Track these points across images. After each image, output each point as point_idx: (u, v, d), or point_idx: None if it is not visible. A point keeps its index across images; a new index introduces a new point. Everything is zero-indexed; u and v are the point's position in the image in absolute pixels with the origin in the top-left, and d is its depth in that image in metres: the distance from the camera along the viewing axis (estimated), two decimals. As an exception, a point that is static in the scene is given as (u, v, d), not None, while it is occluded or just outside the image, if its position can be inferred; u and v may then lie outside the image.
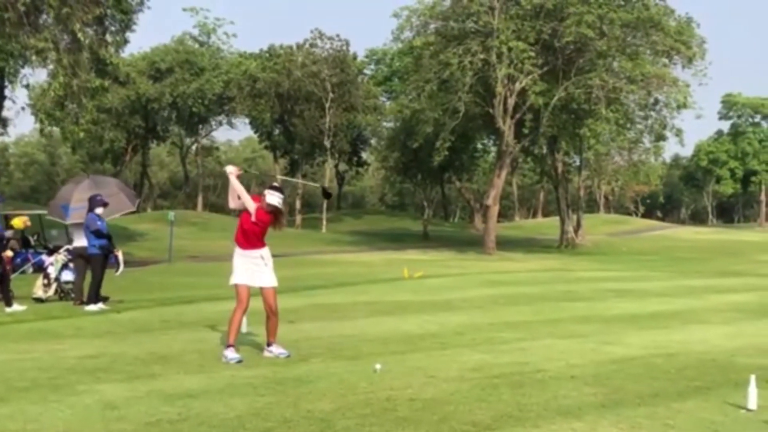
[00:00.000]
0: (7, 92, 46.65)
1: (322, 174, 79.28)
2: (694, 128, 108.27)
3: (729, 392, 7.21)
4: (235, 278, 8.86)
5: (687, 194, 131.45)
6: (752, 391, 6.59)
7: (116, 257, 15.92)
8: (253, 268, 8.87)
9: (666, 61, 50.35)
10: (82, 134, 37.71)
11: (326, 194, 11.04)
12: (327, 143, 70.03)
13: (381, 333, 11.07)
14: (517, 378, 7.81)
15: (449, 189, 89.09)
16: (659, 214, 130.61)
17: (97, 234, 14.63)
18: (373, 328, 11.56)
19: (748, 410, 6.54)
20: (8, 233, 16.66)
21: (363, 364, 8.36)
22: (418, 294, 17.35)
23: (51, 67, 32.34)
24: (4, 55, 32.69)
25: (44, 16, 30.69)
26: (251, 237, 8.88)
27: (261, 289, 8.90)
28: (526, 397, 6.93)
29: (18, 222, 17.68)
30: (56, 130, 52.73)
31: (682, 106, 49.73)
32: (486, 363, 8.68)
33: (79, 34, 29.64)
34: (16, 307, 14.48)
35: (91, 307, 14.12)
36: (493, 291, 18.42)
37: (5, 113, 51.32)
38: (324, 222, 69.48)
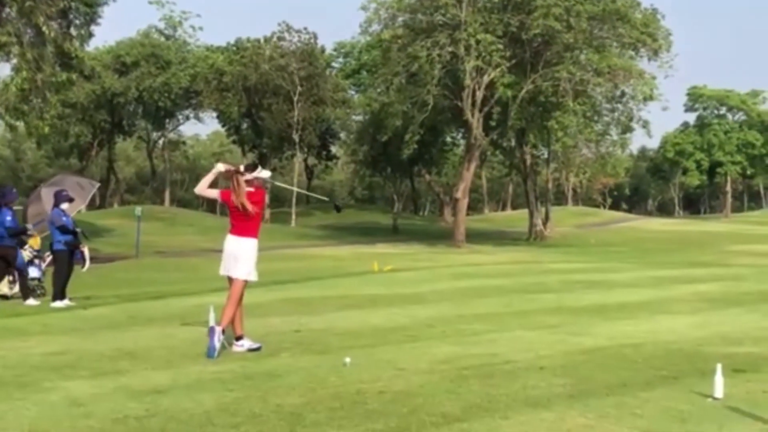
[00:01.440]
0: (-31, 87, 46.00)
1: (291, 168, 78.98)
2: (661, 120, 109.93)
3: (696, 381, 7.27)
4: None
5: (654, 186, 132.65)
6: (718, 379, 6.64)
7: (82, 253, 15.74)
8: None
9: (632, 53, 50.79)
10: (47, 129, 37.27)
11: (337, 208, 12.42)
12: (296, 137, 69.78)
13: (350, 326, 11.06)
14: (487, 369, 7.82)
15: (419, 182, 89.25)
16: (626, 206, 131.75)
17: (63, 230, 14.47)
18: (342, 322, 11.54)
19: (715, 398, 6.59)
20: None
21: (332, 358, 8.33)
22: (387, 287, 17.34)
23: (14, 61, 31.95)
24: (-34, 50, 32.21)
25: (7, 10, 30.30)
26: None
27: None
28: (495, 388, 6.94)
29: (34, 242, 17.49)
30: (21, 125, 52.10)
31: (648, 98, 50.18)
32: (456, 355, 8.69)
33: (43, 28, 29.32)
34: (31, 301, 14.73)
35: (57, 304, 13.97)
36: (462, 283, 18.47)
37: (-32, 109, 50.61)
38: (293, 216, 69.31)
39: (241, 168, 8.80)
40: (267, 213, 74.14)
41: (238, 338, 8.86)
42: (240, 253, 8.77)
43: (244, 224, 8.78)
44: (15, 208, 15.47)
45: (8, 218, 14.75)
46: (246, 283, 8.91)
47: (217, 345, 8.35)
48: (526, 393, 6.80)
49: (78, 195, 17.18)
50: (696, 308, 14.05)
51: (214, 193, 9.05)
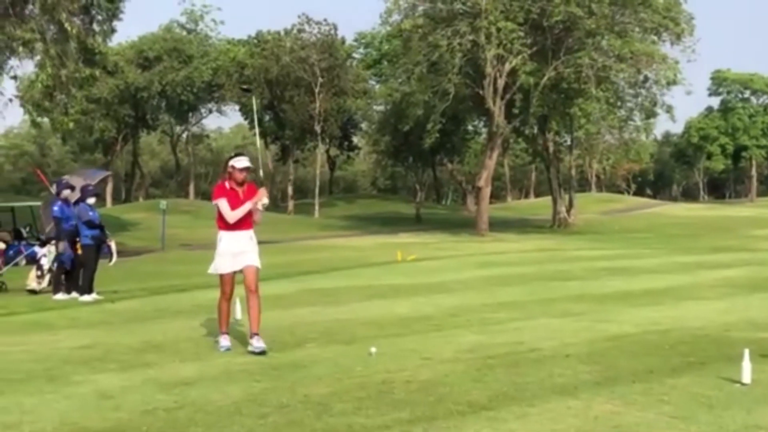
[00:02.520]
0: (-6, 84, 46.37)
1: (313, 159, 79.10)
2: (685, 105, 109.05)
3: (723, 367, 7.24)
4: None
5: (678, 171, 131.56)
6: (746, 365, 6.61)
7: (109, 247, 15.89)
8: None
9: (655, 38, 50.30)
10: (71, 125, 37.58)
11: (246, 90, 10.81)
12: (317, 128, 69.85)
13: (375, 316, 11.09)
14: (512, 358, 7.83)
15: (441, 171, 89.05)
16: (650, 191, 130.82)
17: (90, 224, 14.60)
18: (368, 312, 11.57)
19: (743, 384, 6.56)
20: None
21: (358, 348, 8.36)
22: (411, 277, 17.36)
23: (38, 58, 32.17)
24: (-9, 47, 32.51)
25: (30, 7, 30.52)
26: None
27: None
28: (521, 376, 6.95)
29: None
30: (46, 121, 52.54)
31: (671, 82, 49.73)
32: (481, 344, 8.70)
33: (66, 24, 29.48)
34: (60, 295, 14.82)
35: (85, 298, 14.10)
36: (486, 272, 18.45)
37: (-7, 105, 51.07)
38: (316, 207, 69.45)
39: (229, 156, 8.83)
40: (290, 204, 74.48)
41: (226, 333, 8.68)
42: (253, 245, 8.52)
43: (247, 218, 8.50)
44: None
45: (54, 208, 15.19)
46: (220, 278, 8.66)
47: (258, 347, 8.16)
48: (552, 381, 6.80)
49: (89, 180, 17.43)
50: (722, 293, 13.97)
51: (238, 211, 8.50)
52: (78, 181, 16.75)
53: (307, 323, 10.29)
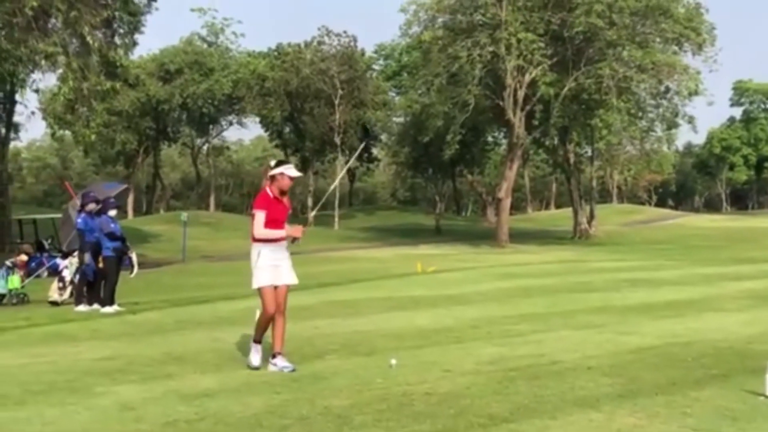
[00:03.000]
0: (17, 97, 46.82)
1: (333, 170, 79.30)
2: (706, 115, 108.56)
3: (746, 379, 7.17)
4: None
5: (700, 182, 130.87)
6: (770, 377, 6.55)
7: (130, 259, 15.98)
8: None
9: (676, 48, 50.19)
10: (93, 137, 37.85)
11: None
12: (337, 140, 70.05)
13: (395, 328, 11.06)
14: (534, 370, 7.79)
15: (461, 183, 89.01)
16: (672, 202, 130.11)
17: (111, 236, 14.68)
18: (388, 324, 11.55)
19: (766, 397, 6.49)
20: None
21: (378, 360, 8.35)
22: (431, 288, 17.32)
23: (60, 71, 32.48)
24: (14, 60, 32.78)
25: (53, 20, 30.80)
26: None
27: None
28: (542, 388, 6.91)
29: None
30: (68, 133, 53.00)
31: (693, 93, 49.56)
32: (502, 356, 8.65)
33: (88, 38, 29.74)
34: (82, 307, 14.92)
35: (107, 309, 14.17)
36: (507, 284, 18.38)
37: (16, 118, 51.60)
38: (336, 219, 69.55)
39: (272, 163, 8.28)
40: (310, 216, 74.64)
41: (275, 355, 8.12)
42: (288, 257, 8.26)
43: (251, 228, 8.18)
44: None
45: (78, 220, 15.35)
46: (259, 292, 8.22)
47: (285, 366, 7.89)
48: (574, 393, 6.75)
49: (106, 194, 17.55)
50: (745, 305, 13.84)
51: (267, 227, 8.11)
52: (101, 194, 16.88)
53: (328, 335, 10.28)
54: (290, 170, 8.14)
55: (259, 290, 8.04)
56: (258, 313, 8.26)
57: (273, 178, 8.05)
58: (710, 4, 58.69)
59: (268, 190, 8.07)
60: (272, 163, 8.27)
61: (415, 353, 8.84)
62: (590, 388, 6.96)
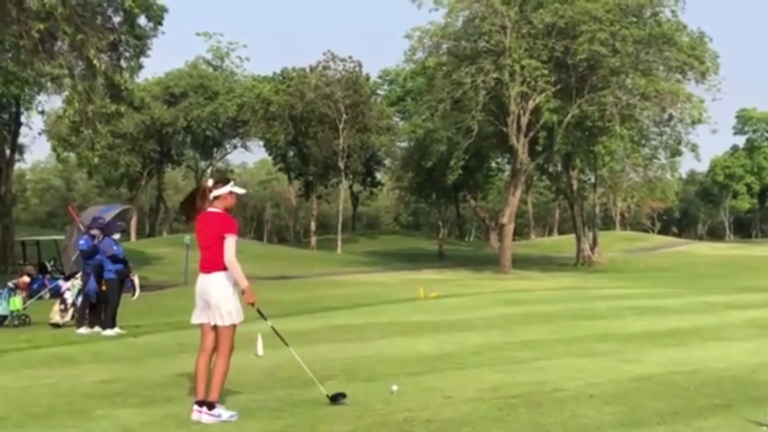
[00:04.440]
0: (22, 119, 47.06)
1: (337, 195, 79.43)
2: (710, 144, 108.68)
3: (749, 409, 7.13)
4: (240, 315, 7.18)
5: (703, 210, 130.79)
6: (773, 407, 6.51)
7: (132, 282, 15.98)
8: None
9: (679, 76, 50.32)
10: (96, 159, 37.95)
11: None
12: (341, 164, 70.20)
13: (397, 354, 11.03)
14: (535, 397, 7.75)
15: (464, 208, 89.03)
16: (676, 230, 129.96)
17: (114, 259, 14.69)
18: (389, 349, 11.52)
19: (770, 427, 6.46)
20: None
21: (379, 386, 8.32)
22: (434, 314, 17.27)
23: (66, 93, 32.61)
24: (20, 83, 32.99)
25: (59, 43, 30.98)
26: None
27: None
28: (544, 416, 6.87)
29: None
30: (72, 155, 53.04)
31: (696, 121, 49.66)
32: (503, 383, 8.62)
33: (94, 61, 29.88)
34: (83, 329, 14.88)
35: (108, 332, 14.15)
36: (509, 310, 18.33)
37: (21, 140, 51.82)
38: (339, 243, 69.53)
39: (209, 182, 7.28)
40: (313, 240, 74.63)
41: (210, 405, 6.90)
42: (212, 293, 7.02)
43: (207, 256, 7.12)
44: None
45: (81, 241, 15.38)
46: (234, 329, 7.13)
47: (226, 416, 6.87)
48: (575, 422, 6.72)
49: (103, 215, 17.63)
50: (749, 334, 13.79)
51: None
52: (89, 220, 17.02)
53: (328, 360, 10.24)
54: (237, 188, 7.33)
55: (233, 326, 7.06)
56: (227, 351, 7.07)
57: (216, 198, 7.11)
58: (714, 32, 59.08)
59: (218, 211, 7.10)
60: (210, 183, 7.23)
61: (417, 379, 8.82)
62: (592, 416, 6.92)
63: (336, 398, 7.36)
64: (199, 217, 7.17)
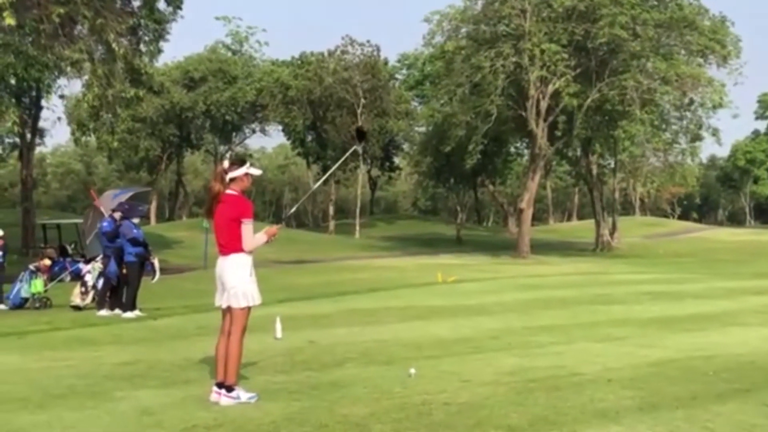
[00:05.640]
0: (43, 103, 47.33)
1: (355, 179, 79.44)
2: (731, 128, 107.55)
3: (769, 394, 7.10)
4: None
5: (724, 195, 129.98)
6: (793, 393, 6.48)
7: (152, 265, 16.09)
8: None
9: (701, 60, 49.84)
10: (115, 143, 38.13)
11: (360, 135, 7.13)
12: (359, 149, 70.14)
13: (415, 337, 11.05)
14: (553, 382, 7.75)
15: (482, 193, 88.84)
16: (696, 215, 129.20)
17: (134, 242, 14.79)
18: (407, 333, 11.54)
19: (789, 413, 6.43)
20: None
21: (397, 369, 8.34)
22: (451, 298, 17.30)
23: (86, 77, 32.72)
24: (40, 67, 33.10)
25: (79, 27, 31.04)
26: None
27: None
28: (562, 400, 6.87)
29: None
30: (92, 139, 53.34)
31: (717, 105, 49.22)
32: (521, 367, 8.62)
33: (114, 45, 29.94)
34: (104, 312, 15.05)
35: (128, 315, 14.25)
36: (527, 295, 18.32)
37: (42, 124, 52.14)
38: (357, 227, 69.61)
39: (225, 163, 7.17)
40: (331, 224, 74.76)
41: (228, 387, 6.87)
42: (227, 274, 7.06)
43: (223, 239, 7.07)
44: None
45: (104, 223, 15.55)
46: (248, 312, 7.10)
47: (245, 398, 6.84)
48: (593, 406, 6.71)
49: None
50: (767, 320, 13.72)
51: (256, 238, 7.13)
52: (108, 203, 17.14)
53: (346, 343, 10.28)
54: (253, 169, 7.25)
55: (248, 309, 7.07)
56: (240, 333, 7.04)
57: (233, 180, 7.05)
58: (736, 16, 58.44)
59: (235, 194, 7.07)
60: (225, 164, 7.15)
61: (434, 363, 8.82)
62: (610, 400, 6.91)
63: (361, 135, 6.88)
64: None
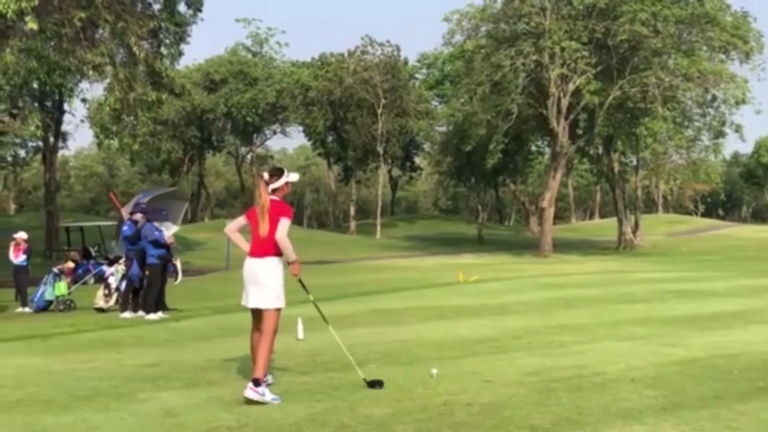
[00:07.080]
0: (65, 106, 47.71)
1: (376, 179, 79.52)
2: (754, 124, 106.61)
3: (794, 393, 7.04)
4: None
5: (748, 192, 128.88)
6: (819, 391, 6.42)
7: (175, 266, 16.17)
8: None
9: (723, 56, 49.44)
10: (136, 146, 38.35)
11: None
12: (380, 149, 70.24)
13: (436, 338, 11.04)
14: (576, 381, 7.71)
15: (503, 192, 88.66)
16: (720, 212, 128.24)
17: (156, 244, 14.87)
18: (429, 333, 11.53)
19: (815, 411, 6.37)
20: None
21: (419, 369, 8.33)
22: (473, 298, 17.26)
23: (108, 81, 32.94)
24: (62, 71, 33.36)
25: (100, 31, 31.26)
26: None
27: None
28: (585, 400, 6.84)
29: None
30: (114, 142, 53.66)
31: (740, 102, 48.75)
32: (544, 367, 8.59)
33: (135, 48, 30.13)
34: (127, 314, 15.13)
35: (151, 316, 14.33)
36: (549, 294, 18.26)
37: (65, 127, 52.57)
38: (378, 228, 69.64)
39: (265, 175, 7.48)
40: (352, 225, 74.85)
41: (255, 380, 6.95)
42: (261, 276, 7.24)
43: (262, 242, 7.26)
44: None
45: (124, 227, 15.62)
46: (279, 313, 7.28)
47: (269, 398, 6.88)
48: (617, 405, 6.68)
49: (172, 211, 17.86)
50: (794, 318, 13.59)
51: (238, 234, 7.82)
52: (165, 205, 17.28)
53: (368, 344, 10.28)
54: (292, 176, 7.58)
55: (279, 310, 7.26)
56: (272, 334, 7.18)
57: (275, 190, 7.40)
58: (758, 11, 57.94)
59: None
60: (266, 176, 7.46)
61: (456, 363, 8.81)
62: (633, 400, 6.87)
63: (373, 385, 7.42)
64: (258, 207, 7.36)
